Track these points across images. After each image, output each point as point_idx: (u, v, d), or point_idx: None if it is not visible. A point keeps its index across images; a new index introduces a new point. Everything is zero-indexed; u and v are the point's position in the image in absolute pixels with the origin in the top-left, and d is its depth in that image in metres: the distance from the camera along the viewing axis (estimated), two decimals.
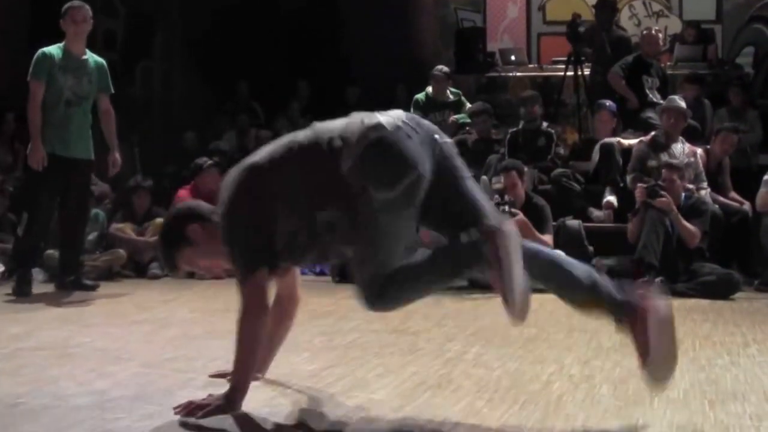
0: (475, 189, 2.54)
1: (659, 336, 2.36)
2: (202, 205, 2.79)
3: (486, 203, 2.55)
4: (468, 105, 7.72)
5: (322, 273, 6.31)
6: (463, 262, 2.46)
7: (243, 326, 2.51)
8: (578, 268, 2.49)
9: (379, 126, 2.45)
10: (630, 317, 2.38)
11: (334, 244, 2.52)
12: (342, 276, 5.86)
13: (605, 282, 2.46)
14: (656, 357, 2.37)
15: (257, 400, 2.71)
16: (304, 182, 2.47)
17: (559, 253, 2.64)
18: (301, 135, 2.56)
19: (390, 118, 2.48)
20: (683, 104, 6.33)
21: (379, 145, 2.42)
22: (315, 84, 9.51)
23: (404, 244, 2.48)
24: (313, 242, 2.52)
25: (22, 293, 5.12)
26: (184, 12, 9.89)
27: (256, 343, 2.55)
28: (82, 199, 5.48)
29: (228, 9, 9.55)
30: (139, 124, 8.85)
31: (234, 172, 2.59)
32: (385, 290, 2.44)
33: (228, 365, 3.15)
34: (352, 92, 9.46)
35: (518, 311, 2.32)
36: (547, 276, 2.48)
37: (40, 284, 5.69)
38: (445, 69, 7.77)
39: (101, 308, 4.78)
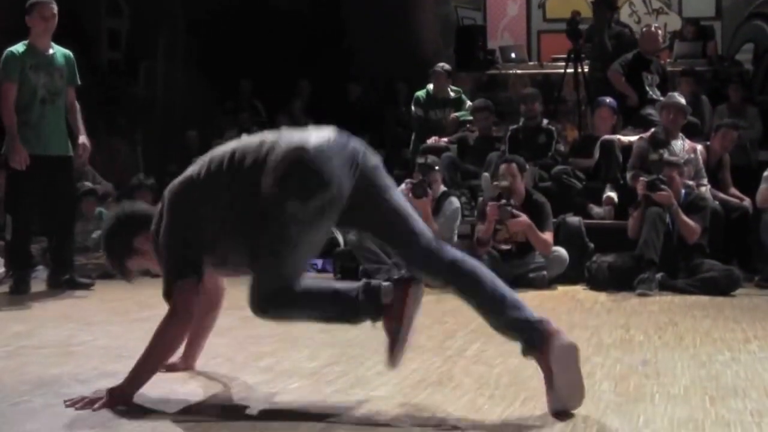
0: (403, 202, 2.62)
1: (563, 367, 2.45)
2: (145, 210, 2.87)
3: (414, 217, 2.62)
4: (469, 102, 7.72)
5: (323, 270, 6.32)
6: (360, 314, 2.55)
7: (164, 329, 2.62)
8: (501, 287, 2.55)
9: (301, 147, 2.52)
10: (540, 344, 2.46)
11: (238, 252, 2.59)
12: (344, 273, 5.88)
13: (522, 305, 2.53)
14: (560, 388, 2.45)
15: (258, 398, 2.72)
16: (229, 197, 2.56)
17: (484, 272, 2.59)
18: (233, 149, 2.64)
19: (317, 138, 2.55)
20: (683, 100, 6.33)
21: (299, 163, 2.50)
22: (317, 82, 9.52)
23: (309, 257, 2.61)
24: (227, 250, 2.62)
25: (19, 291, 5.14)
26: (187, 12, 9.90)
27: (169, 349, 2.69)
28: (67, 195, 5.44)
29: (230, 8, 9.57)
30: (142, 123, 8.86)
31: (171, 186, 2.71)
32: (280, 303, 2.52)
33: (229, 363, 3.19)
34: (354, 89, 9.47)
35: (395, 361, 2.52)
36: (471, 293, 2.56)
37: (43, 282, 5.70)
38: (447, 66, 7.79)
39: (103, 306, 4.79)
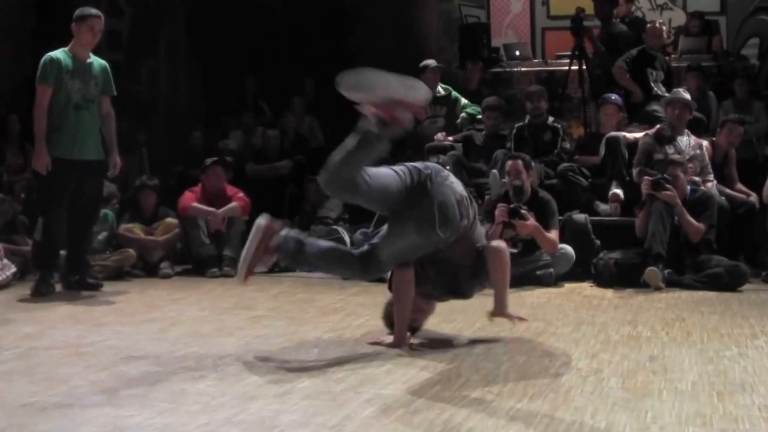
0: None
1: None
2: None
3: None
4: (464, 100, 7.72)
5: None
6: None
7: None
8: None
9: None
10: None
11: None
12: None
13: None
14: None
15: (267, 397, 2.73)
16: None
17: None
18: None
19: None
20: (687, 96, 6.32)
21: None
22: (321, 80, 9.51)
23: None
24: None
25: (41, 293, 5.17)
26: (189, 11, 9.91)
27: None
28: (94, 199, 5.52)
29: (233, 7, 9.57)
30: (145, 124, 8.88)
31: None
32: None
33: (238, 362, 3.20)
34: None
35: None
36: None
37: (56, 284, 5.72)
38: (438, 63, 7.79)
39: (112, 307, 4.81)
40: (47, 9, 7.62)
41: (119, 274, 6.08)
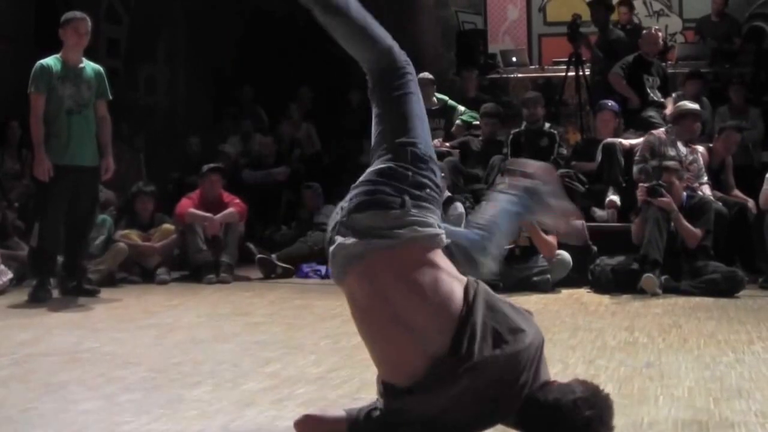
0: None
1: None
2: None
3: None
4: (461, 108, 7.73)
5: (327, 276, 6.33)
6: None
7: None
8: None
9: None
10: None
11: None
12: None
13: None
14: None
15: (264, 403, 2.73)
16: None
17: None
18: None
19: None
20: (696, 106, 6.35)
21: None
22: (318, 88, 9.53)
23: None
24: None
25: (38, 299, 5.16)
26: (187, 18, 9.92)
27: None
28: (90, 205, 5.52)
29: (231, 15, 9.59)
30: (143, 130, 8.88)
31: None
32: None
33: (235, 368, 3.20)
34: (355, 95, 9.47)
35: None
36: None
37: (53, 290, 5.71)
38: (430, 75, 7.77)
39: (109, 313, 4.81)
40: (49, 14, 7.62)
41: (116, 280, 6.06)
